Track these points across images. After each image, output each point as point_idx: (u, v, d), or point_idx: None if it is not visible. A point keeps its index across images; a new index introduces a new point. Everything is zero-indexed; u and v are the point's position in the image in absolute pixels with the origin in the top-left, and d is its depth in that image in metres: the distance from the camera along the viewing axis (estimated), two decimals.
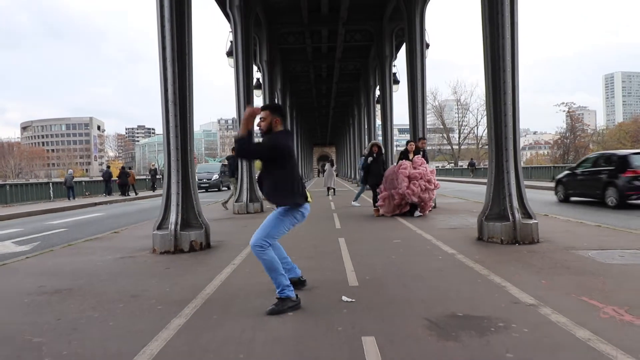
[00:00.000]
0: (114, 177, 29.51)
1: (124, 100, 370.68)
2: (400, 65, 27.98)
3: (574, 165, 16.74)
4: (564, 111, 67.31)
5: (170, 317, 3.81)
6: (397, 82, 22.66)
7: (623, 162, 12.54)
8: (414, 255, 6.21)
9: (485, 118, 49.12)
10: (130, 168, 34.36)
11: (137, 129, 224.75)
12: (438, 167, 72.03)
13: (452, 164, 78.26)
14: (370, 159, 12.07)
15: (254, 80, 17.65)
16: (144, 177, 41.26)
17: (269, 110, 4.03)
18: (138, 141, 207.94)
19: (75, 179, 28.63)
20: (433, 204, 11.82)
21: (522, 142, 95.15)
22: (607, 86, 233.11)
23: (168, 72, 7.27)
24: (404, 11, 14.39)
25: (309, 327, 3.49)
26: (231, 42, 15.78)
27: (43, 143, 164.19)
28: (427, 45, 15.04)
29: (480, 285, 4.54)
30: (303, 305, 3.94)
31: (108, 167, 32.80)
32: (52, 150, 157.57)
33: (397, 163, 11.43)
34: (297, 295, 3.95)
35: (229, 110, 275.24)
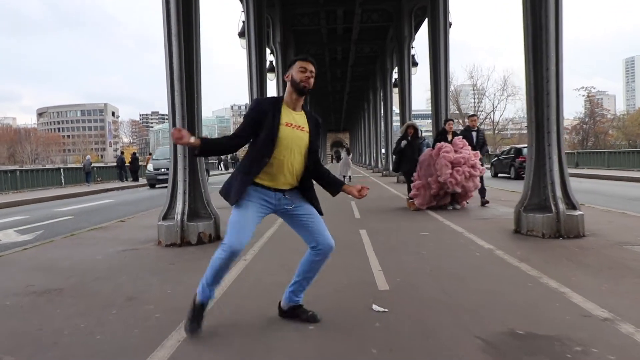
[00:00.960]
0: (127, 163, 29.22)
1: (138, 86, 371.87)
2: (418, 47, 27.10)
3: (499, 153, 25.86)
4: (583, 96, 65.48)
5: (169, 329, 3.19)
6: (415, 64, 21.73)
7: (518, 152, 20.48)
8: (447, 251, 5.53)
9: (501, 103, 47.65)
10: (150, 154, 33.55)
11: (151, 115, 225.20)
12: None
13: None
14: (404, 142, 10.23)
15: (267, 63, 16.97)
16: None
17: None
18: (152, 127, 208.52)
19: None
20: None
21: None
22: (628, 70, 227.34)
23: (173, 46, 6.61)
24: None
25: (337, 346, 2.85)
26: (243, 22, 15.09)
27: (59, 129, 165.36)
28: (450, 24, 14.19)
29: (533, 290, 3.86)
30: (329, 316, 3.30)
31: (122, 153, 32.48)
32: (68, 136, 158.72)
33: (434, 146, 9.59)
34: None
35: (242, 96, 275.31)
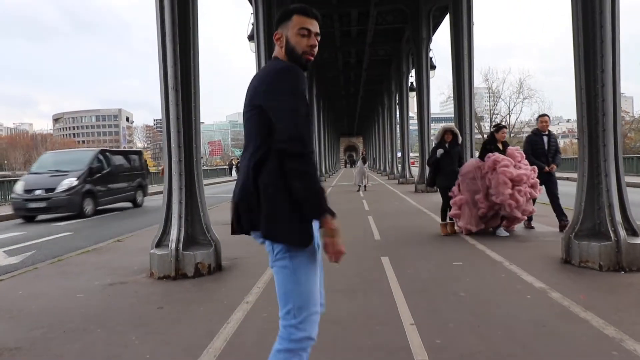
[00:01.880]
0: None
1: (153, 91, 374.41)
2: (435, 49, 25.90)
3: None
4: None
5: None
6: (433, 67, 20.74)
7: None
8: (491, 292, 4.58)
9: (517, 106, 46.90)
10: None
11: None
12: None
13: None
14: (440, 151, 8.09)
15: None
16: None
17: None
18: None
19: None
20: None
21: (555, 130, 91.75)
22: None
23: (168, 51, 5.79)
24: None
25: None
26: (252, 24, 14.30)
27: (74, 134, 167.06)
28: (473, 24, 13.24)
29: None
30: None
31: None
32: (83, 142, 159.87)
33: (482, 155, 7.87)
34: None
35: None
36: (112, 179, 15.64)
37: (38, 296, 5.02)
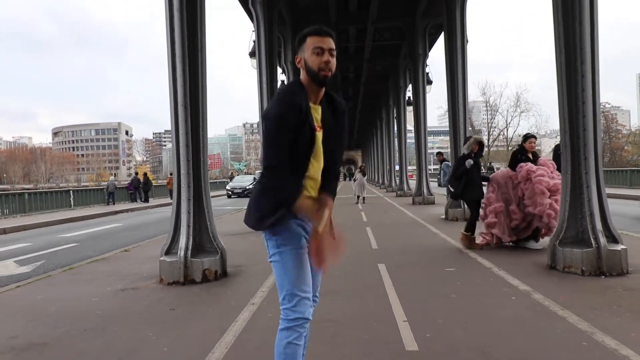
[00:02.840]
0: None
1: (152, 105, 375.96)
2: (431, 64, 26.44)
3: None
4: None
5: None
6: (430, 82, 21.26)
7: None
8: (478, 294, 4.94)
9: (514, 120, 47.08)
10: (171, 174, 33.26)
11: (165, 134, 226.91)
12: None
13: (482, 167, 75.89)
14: (469, 161, 7.76)
15: (278, 83, 16.59)
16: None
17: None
18: (165, 145, 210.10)
19: (102, 185, 28.61)
20: None
21: (554, 142, 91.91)
22: None
23: (177, 71, 6.19)
24: (442, 6, 13.09)
25: None
26: (254, 42, 14.76)
27: (73, 148, 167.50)
28: (467, 41, 13.71)
29: (589, 353, 3.27)
30: None
31: (136, 173, 32.26)
32: (82, 155, 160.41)
33: (513, 165, 7.67)
34: None
35: (254, 113, 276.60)
36: None
37: (55, 300, 5.35)
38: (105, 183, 32.54)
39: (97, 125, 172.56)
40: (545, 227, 7.26)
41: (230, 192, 33.35)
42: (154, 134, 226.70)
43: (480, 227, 7.88)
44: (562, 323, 3.89)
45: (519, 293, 4.88)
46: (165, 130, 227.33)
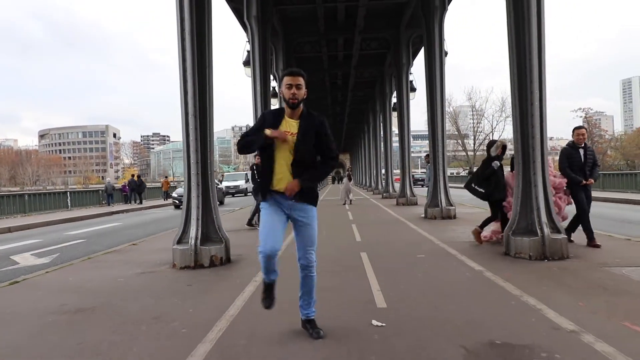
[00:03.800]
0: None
1: (139, 107, 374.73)
2: (416, 72, 27.63)
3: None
4: (581, 117, 66.32)
5: (195, 342, 3.68)
6: (413, 89, 22.46)
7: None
8: (441, 272, 6.03)
9: (500, 124, 48.41)
10: (166, 177, 34.46)
11: (152, 136, 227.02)
12: (453, 173, 71.07)
13: (468, 170, 77.50)
14: (496, 163, 8.19)
15: (271, 90, 17.61)
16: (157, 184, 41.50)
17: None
18: (153, 148, 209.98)
19: (92, 188, 29.43)
20: None
21: None
22: (625, 91, 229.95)
23: (188, 84, 7.20)
24: (422, 20, 14.24)
25: (342, 356, 3.34)
26: (248, 51, 15.75)
27: (60, 150, 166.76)
28: (446, 53, 14.85)
29: (514, 307, 4.36)
30: (335, 331, 3.79)
31: (132, 175, 33.13)
32: (69, 158, 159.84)
33: (512, 167, 7.89)
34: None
35: (242, 117, 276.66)
36: None
37: (87, 280, 6.33)
38: (103, 185, 33.26)
39: (85, 128, 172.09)
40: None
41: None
42: (141, 136, 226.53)
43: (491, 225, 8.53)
44: (500, 290, 4.99)
45: (474, 272, 5.97)
46: (153, 133, 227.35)
